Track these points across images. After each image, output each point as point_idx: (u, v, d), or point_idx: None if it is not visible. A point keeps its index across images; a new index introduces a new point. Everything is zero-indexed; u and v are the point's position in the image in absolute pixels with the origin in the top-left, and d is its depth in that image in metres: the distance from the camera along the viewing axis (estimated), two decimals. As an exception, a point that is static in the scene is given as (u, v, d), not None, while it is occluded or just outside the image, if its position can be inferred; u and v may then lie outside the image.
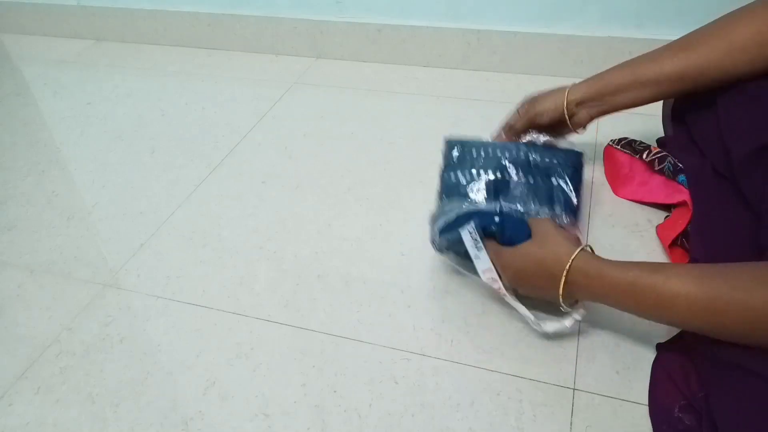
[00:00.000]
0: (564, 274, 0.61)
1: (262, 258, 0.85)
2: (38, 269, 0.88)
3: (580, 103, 0.79)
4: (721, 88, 0.72)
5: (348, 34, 1.33)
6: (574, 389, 0.65)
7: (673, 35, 0.77)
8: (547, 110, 0.80)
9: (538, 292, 0.66)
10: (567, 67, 1.20)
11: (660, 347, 0.66)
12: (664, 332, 0.68)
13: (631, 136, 0.91)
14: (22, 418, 0.68)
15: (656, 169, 0.83)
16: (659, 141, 0.93)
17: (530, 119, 0.81)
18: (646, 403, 0.62)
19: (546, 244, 0.64)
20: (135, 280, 0.84)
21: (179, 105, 1.27)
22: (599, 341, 0.69)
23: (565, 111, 0.80)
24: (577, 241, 0.66)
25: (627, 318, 0.71)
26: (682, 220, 0.76)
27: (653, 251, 0.79)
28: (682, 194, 0.78)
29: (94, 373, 0.72)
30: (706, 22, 0.80)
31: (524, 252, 0.65)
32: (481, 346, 0.70)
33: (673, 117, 0.87)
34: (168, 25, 1.49)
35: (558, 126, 0.82)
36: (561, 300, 0.63)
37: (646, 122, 1.02)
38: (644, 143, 0.88)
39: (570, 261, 0.61)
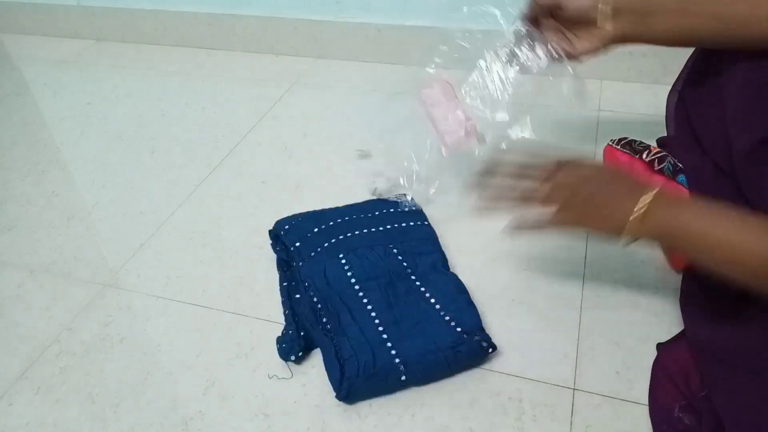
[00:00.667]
0: (652, 192, 0.54)
1: (262, 258, 0.85)
2: (38, 269, 0.88)
3: (616, 11, 0.69)
4: (730, 77, 0.71)
5: (348, 34, 1.33)
6: (574, 389, 0.65)
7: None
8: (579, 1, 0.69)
9: (601, 214, 0.58)
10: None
11: (660, 347, 0.66)
12: (664, 332, 0.69)
13: (631, 136, 0.91)
14: (22, 418, 0.68)
15: (656, 169, 0.83)
16: (659, 141, 0.93)
17: (555, 3, 0.71)
18: (646, 403, 0.62)
19: (615, 174, 0.60)
20: (135, 280, 0.84)
21: (179, 105, 1.27)
22: (599, 341, 0.69)
23: (601, 5, 0.67)
24: None
25: (627, 318, 0.72)
26: (681, 220, 0.76)
27: (653, 251, 0.79)
28: (682, 194, 0.78)
29: (94, 373, 0.72)
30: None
31: (589, 170, 0.60)
32: (481, 346, 0.70)
33: (677, 114, 0.87)
34: (168, 25, 1.49)
35: (584, 27, 0.72)
36: (629, 225, 0.55)
37: (646, 122, 1.02)
38: (644, 143, 0.88)
39: (654, 189, 0.55)
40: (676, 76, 0.86)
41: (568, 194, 0.59)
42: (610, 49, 0.73)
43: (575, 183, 0.59)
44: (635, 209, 0.55)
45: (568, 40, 0.74)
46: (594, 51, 0.73)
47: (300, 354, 0.70)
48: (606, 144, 0.93)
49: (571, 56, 0.75)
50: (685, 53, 0.84)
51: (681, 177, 0.79)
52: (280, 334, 0.72)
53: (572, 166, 0.60)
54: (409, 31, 1.28)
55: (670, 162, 0.81)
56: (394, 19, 1.28)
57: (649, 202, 0.54)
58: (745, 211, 0.54)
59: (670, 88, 0.88)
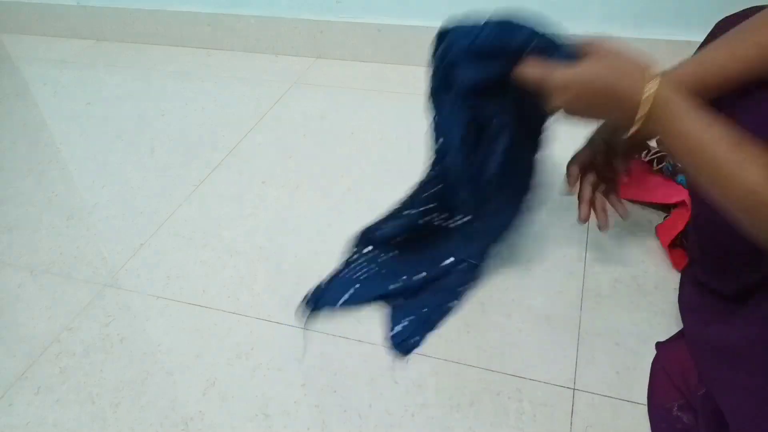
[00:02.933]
0: (646, 104, 0.52)
1: (262, 258, 0.85)
2: (38, 269, 0.88)
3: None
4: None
5: (348, 34, 1.33)
6: (574, 389, 0.65)
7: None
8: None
9: (599, 117, 0.61)
10: (567, 67, 1.20)
11: (659, 346, 0.66)
12: (664, 332, 0.69)
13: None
14: (22, 418, 0.68)
15: (655, 168, 0.83)
16: (659, 141, 0.93)
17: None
18: (646, 402, 0.62)
19: (617, 66, 0.55)
20: (135, 280, 0.84)
21: (179, 105, 1.27)
22: (599, 341, 0.69)
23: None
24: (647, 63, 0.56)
25: (627, 318, 0.72)
26: (681, 220, 0.76)
27: (653, 251, 0.79)
28: (681, 194, 0.78)
29: (94, 373, 0.72)
30: (705, 23, 0.79)
31: (588, 73, 0.56)
32: (481, 346, 0.70)
33: None
34: (168, 25, 1.49)
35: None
36: (630, 132, 0.55)
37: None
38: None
39: (654, 89, 0.52)
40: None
41: (569, 94, 0.58)
42: None
43: (572, 83, 0.57)
44: (635, 123, 0.53)
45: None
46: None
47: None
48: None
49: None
50: (685, 55, 0.84)
51: (680, 177, 0.79)
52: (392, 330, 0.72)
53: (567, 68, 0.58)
54: (409, 31, 1.28)
55: (669, 161, 0.81)
56: (394, 19, 1.28)
57: (654, 91, 0.52)
58: (743, 138, 0.50)
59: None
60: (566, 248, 0.82)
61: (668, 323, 0.70)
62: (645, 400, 0.62)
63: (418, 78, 1.27)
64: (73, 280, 0.86)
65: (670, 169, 0.81)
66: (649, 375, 0.64)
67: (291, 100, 1.24)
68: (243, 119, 1.18)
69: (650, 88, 0.53)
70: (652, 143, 0.90)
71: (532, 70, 0.60)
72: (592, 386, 0.65)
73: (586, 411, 0.63)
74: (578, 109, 0.59)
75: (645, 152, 0.85)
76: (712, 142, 0.51)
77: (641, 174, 0.86)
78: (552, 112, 0.63)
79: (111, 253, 0.89)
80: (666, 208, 0.84)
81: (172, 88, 1.34)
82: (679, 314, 0.68)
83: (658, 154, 0.83)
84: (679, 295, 0.70)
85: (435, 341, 0.71)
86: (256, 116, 1.19)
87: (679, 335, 0.66)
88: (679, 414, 0.58)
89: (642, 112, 0.53)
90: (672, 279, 0.75)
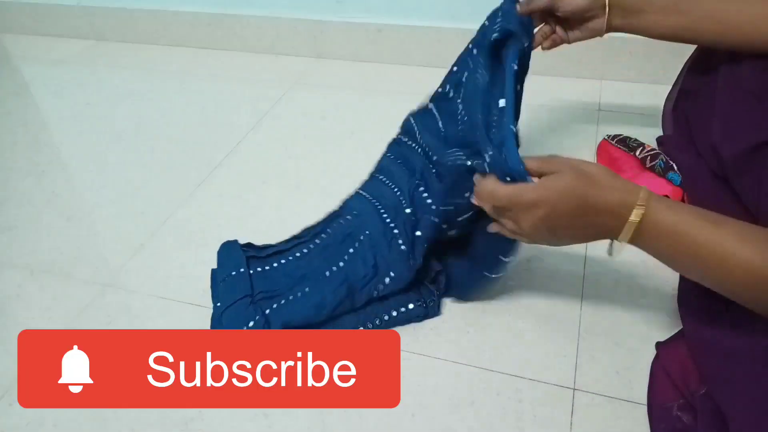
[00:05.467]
0: (636, 221, 0.52)
1: (262, 258, 0.85)
2: (38, 269, 0.88)
3: (609, 6, 0.72)
4: (721, 83, 0.71)
5: (348, 34, 1.33)
6: (574, 389, 0.65)
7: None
8: None
9: (576, 239, 0.57)
10: (567, 66, 1.20)
11: (659, 346, 0.66)
12: (664, 332, 0.69)
13: (629, 135, 0.91)
14: (22, 418, 0.68)
15: (648, 166, 0.83)
16: (659, 140, 0.93)
17: (549, 6, 0.72)
18: (646, 402, 0.62)
19: (597, 184, 0.53)
20: (135, 280, 0.84)
21: (179, 105, 1.27)
22: (599, 341, 0.69)
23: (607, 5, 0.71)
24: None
25: (627, 318, 0.72)
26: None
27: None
28: (664, 189, 0.78)
29: (94, 373, 0.72)
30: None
31: (564, 187, 0.53)
32: (480, 346, 0.70)
33: (675, 115, 0.87)
34: (168, 25, 1.49)
35: (577, 22, 0.74)
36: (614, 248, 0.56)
37: (645, 122, 1.03)
38: (638, 140, 0.89)
39: (643, 209, 0.51)
40: (676, 75, 0.87)
41: (540, 233, 0.56)
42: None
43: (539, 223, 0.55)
44: (630, 219, 0.52)
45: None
46: (586, 39, 0.76)
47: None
48: (602, 139, 0.94)
49: (564, 41, 0.77)
50: (684, 53, 0.84)
51: (671, 174, 0.79)
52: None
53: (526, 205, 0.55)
54: (409, 31, 1.28)
55: (662, 159, 0.81)
56: (394, 19, 1.28)
57: (645, 208, 0.52)
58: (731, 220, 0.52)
59: (669, 87, 0.88)
60: (566, 248, 0.82)
61: (668, 323, 0.70)
62: (645, 400, 0.62)
63: (418, 78, 1.27)
64: (73, 280, 0.86)
65: (662, 166, 0.81)
66: (649, 375, 0.64)
67: (291, 100, 1.24)
68: (243, 119, 1.18)
69: (638, 213, 0.52)
70: (651, 142, 0.90)
71: (498, 189, 0.56)
72: (592, 386, 0.65)
73: (586, 411, 0.63)
74: (545, 231, 0.55)
75: (639, 149, 0.85)
76: (705, 242, 0.51)
77: (633, 170, 0.87)
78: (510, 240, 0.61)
79: (111, 253, 0.89)
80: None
81: (172, 88, 1.34)
82: (679, 314, 0.68)
83: (652, 152, 0.83)
84: (679, 295, 0.70)
85: (435, 341, 0.71)
86: (256, 116, 1.19)
87: (679, 335, 0.66)
88: (679, 414, 0.58)
89: (627, 234, 0.54)
90: (672, 279, 0.75)
